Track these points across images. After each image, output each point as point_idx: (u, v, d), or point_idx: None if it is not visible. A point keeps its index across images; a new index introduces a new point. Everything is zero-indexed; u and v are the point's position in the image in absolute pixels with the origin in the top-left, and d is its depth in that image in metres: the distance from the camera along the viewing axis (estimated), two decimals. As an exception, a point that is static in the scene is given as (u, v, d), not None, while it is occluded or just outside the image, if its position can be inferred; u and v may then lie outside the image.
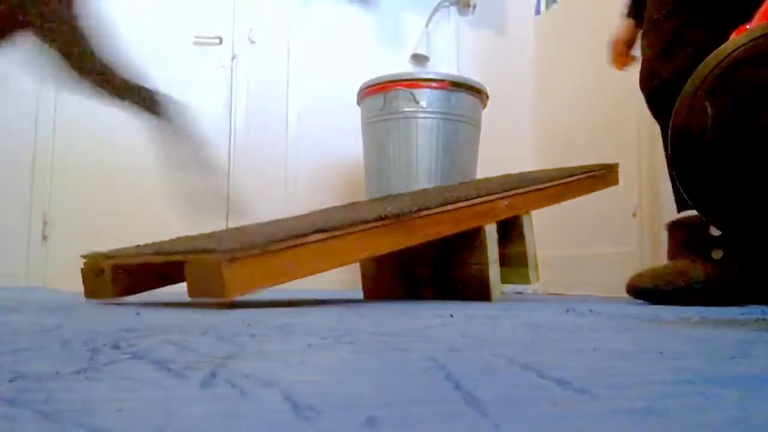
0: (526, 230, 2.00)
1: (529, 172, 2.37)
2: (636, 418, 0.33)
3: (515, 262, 2.01)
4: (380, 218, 1.61)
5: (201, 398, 0.37)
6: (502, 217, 1.94)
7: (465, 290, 1.92)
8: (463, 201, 1.83)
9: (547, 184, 2.08)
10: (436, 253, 2.04)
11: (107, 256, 1.64)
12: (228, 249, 1.29)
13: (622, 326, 0.96)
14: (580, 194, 2.22)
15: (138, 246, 1.73)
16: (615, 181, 2.36)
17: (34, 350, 0.58)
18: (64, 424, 0.30)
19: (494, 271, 1.87)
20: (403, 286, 2.14)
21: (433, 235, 1.76)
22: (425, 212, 1.72)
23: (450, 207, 1.79)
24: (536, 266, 2.03)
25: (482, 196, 1.88)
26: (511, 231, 2.01)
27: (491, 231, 1.89)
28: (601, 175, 2.30)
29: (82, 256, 1.70)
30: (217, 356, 0.53)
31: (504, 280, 1.96)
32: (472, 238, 1.90)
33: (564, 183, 2.14)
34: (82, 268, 1.69)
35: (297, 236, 1.42)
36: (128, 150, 3.18)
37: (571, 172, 2.20)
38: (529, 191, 2.03)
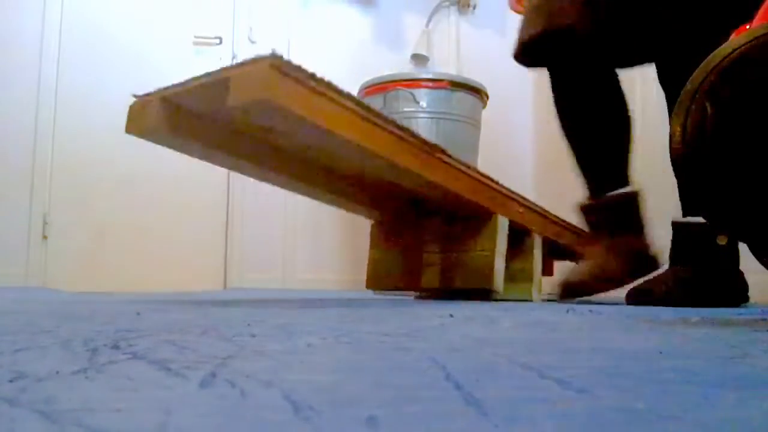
0: (536, 248, 2.01)
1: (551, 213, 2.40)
2: (636, 418, 0.33)
3: (519, 277, 2.01)
4: (408, 131, 1.64)
5: (201, 398, 0.37)
6: (515, 218, 1.95)
7: (469, 277, 1.92)
8: (481, 175, 1.88)
9: (559, 221, 2.13)
10: (444, 239, 2.04)
11: (155, 91, 1.59)
12: (275, 57, 1.32)
13: (621, 326, 0.96)
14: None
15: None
16: None
17: (34, 350, 0.58)
18: (64, 424, 0.30)
19: (500, 262, 1.87)
20: (407, 271, 2.13)
21: (450, 184, 1.76)
22: (447, 157, 1.75)
23: (469, 171, 1.83)
24: (539, 285, 2.03)
25: (500, 185, 1.91)
26: (519, 246, 2.02)
27: (504, 223, 1.90)
28: None
29: (132, 95, 1.65)
30: (217, 356, 0.53)
31: (507, 294, 1.96)
32: (483, 224, 1.90)
33: (572, 232, 2.23)
34: (130, 106, 1.65)
35: (339, 91, 1.47)
36: (128, 150, 3.18)
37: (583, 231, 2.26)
38: (541, 213, 2.07)
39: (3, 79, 3.10)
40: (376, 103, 2.63)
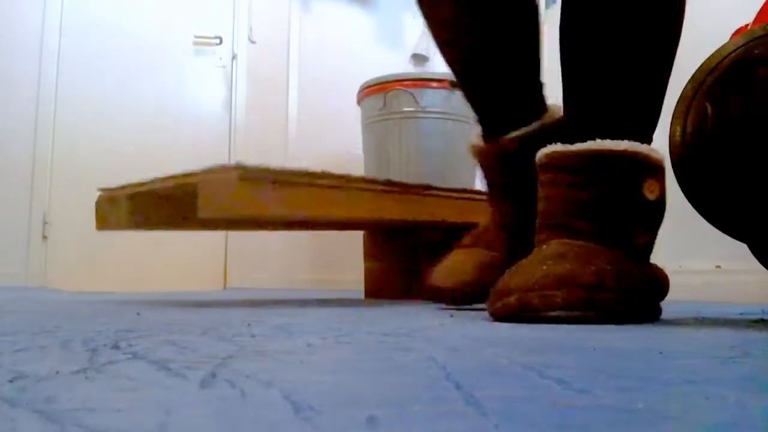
0: None
1: None
2: (636, 418, 0.33)
3: None
4: (389, 183, 1.68)
5: (201, 398, 0.37)
6: None
7: None
8: (468, 192, 1.91)
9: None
10: (439, 250, 2.04)
11: (119, 187, 1.64)
12: (241, 168, 1.34)
13: (621, 326, 0.96)
14: None
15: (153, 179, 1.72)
16: None
17: (34, 350, 0.58)
18: (64, 424, 0.30)
19: None
20: (404, 284, 2.14)
21: (437, 215, 1.80)
22: (432, 191, 1.79)
23: (456, 195, 1.86)
24: None
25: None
26: None
27: None
28: None
29: (98, 189, 1.69)
30: (217, 356, 0.53)
31: None
32: None
33: None
34: (96, 200, 1.68)
35: (310, 174, 1.47)
36: (127, 150, 3.18)
37: None
38: None
39: (3, 79, 3.09)
40: (376, 103, 2.63)
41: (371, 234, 2.24)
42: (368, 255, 2.23)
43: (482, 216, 1.90)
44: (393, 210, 1.67)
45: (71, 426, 0.29)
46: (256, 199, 1.35)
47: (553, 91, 3.27)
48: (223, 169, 1.35)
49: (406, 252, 2.11)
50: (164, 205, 1.56)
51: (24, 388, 0.39)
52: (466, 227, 1.91)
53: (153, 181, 1.56)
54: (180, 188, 1.45)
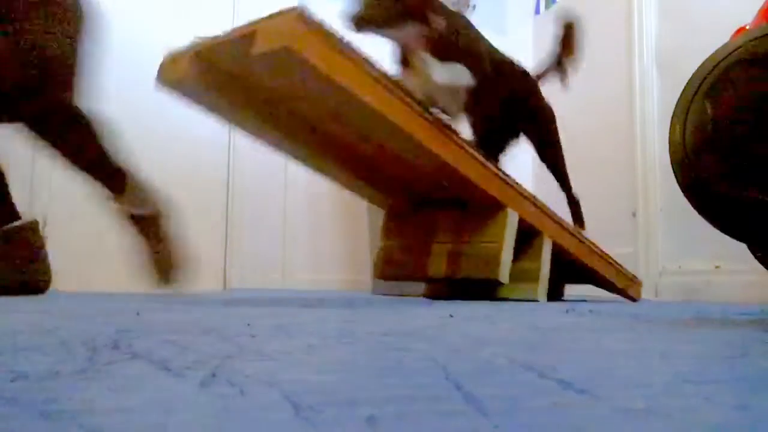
0: (544, 249, 2.00)
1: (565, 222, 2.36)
2: (636, 418, 0.33)
3: (526, 277, 2.00)
4: (425, 108, 1.65)
5: (201, 398, 0.37)
6: (525, 216, 1.94)
7: (475, 267, 1.91)
8: (492, 165, 1.89)
9: (571, 231, 2.13)
10: (453, 229, 2.03)
11: (187, 47, 1.64)
12: (302, 11, 1.34)
13: (621, 326, 0.96)
14: (594, 267, 2.22)
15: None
16: (636, 294, 2.32)
17: (34, 350, 0.58)
18: (64, 424, 0.30)
19: (507, 254, 1.86)
20: (415, 261, 2.12)
21: (462, 166, 1.76)
22: (460, 139, 1.76)
23: (481, 158, 1.83)
24: (546, 285, 2.02)
25: (511, 180, 1.93)
26: (528, 247, 2.01)
27: (513, 216, 1.90)
28: (623, 276, 2.29)
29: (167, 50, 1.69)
30: (217, 356, 0.53)
31: (512, 294, 1.95)
32: (493, 215, 1.90)
33: (587, 246, 2.18)
34: (163, 59, 1.68)
35: (363, 57, 1.47)
36: (126, 153, 3.18)
37: (604, 253, 2.22)
38: (554, 219, 2.06)
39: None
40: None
41: (392, 213, 2.21)
42: (386, 233, 2.21)
43: (505, 195, 1.89)
44: (422, 134, 1.63)
45: (71, 426, 0.29)
46: (309, 45, 1.35)
47: (551, 91, 3.25)
48: (285, 11, 1.36)
49: (423, 233, 2.09)
50: (225, 55, 1.56)
51: (24, 388, 0.39)
52: (482, 210, 1.90)
53: (215, 36, 1.57)
54: (242, 32, 1.46)
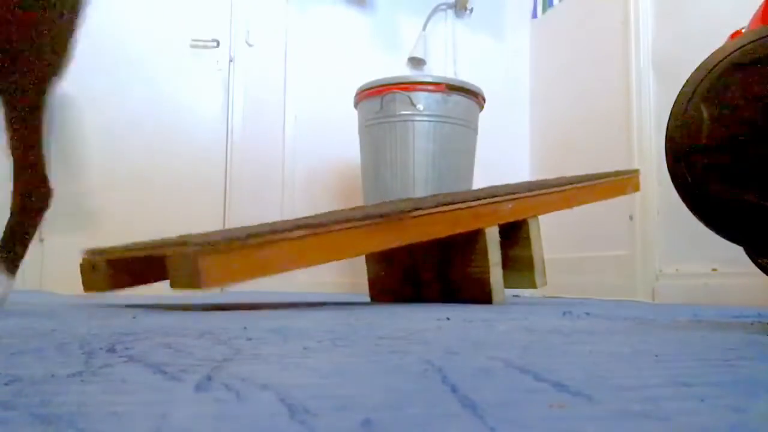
0: (532, 234, 1.98)
1: (545, 180, 2.34)
2: (632, 421, 0.33)
3: (521, 265, 1.99)
4: (366, 217, 1.62)
5: (196, 401, 0.37)
6: (506, 220, 1.92)
7: (467, 293, 1.92)
8: (459, 203, 1.84)
9: (556, 188, 2.08)
10: (440, 256, 2.04)
11: (100, 251, 1.69)
12: (204, 242, 1.32)
13: (618, 329, 0.96)
14: (593, 199, 2.19)
15: (132, 243, 1.76)
16: (635, 187, 2.29)
17: (30, 353, 0.58)
18: (60, 426, 0.30)
19: (496, 274, 1.86)
20: (408, 288, 2.14)
21: (428, 234, 1.75)
22: (417, 212, 1.72)
23: (445, 208, 1.79)
24: (543, 271, 2.00)
25: (482, 199, 1.88)
26: (517, 234, 1.99)
27: (492, 233, 1.87)
28: (619, 181, 2.26)
29: (81, 252, 1.76)
30: (213, 359, 0.53)
31: (509, 283, 1.95)
32: (473, 240, 1.89)
33: (575, 187, 2.13)
34: (80, 264, 1.74)
35: (278, 231, 1.45)
36: (126, 153, 3.18)
37: (586, 177, 2.18)
38: (537, 194, 2.02)
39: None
40: (372, 106, 2.63)
41: None
42: (371, 260, 2.23)
43: (480, 221, 1.89)
44: (378, 241, 1.64)
45: (66, 429, 0.29)
46: (224, 269, 1.34)
47: (549, 95, 3.24)
48: (186, 243, 1.34)
49: (407, 258, 2.11)
50: (138, 268, 1.64)
51: (19, 391, 0.39)
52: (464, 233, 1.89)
53: (127, 249, 1.61)
54: (151, 257, 1.49)
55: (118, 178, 3.15)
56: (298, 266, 1.49)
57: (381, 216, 1.65)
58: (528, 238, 1.98)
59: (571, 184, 2.11)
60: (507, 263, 1.91)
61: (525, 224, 1.99)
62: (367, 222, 1.61)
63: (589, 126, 3.13)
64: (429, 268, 2.10)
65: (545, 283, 2.00)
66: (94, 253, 1.72)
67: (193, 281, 1.31)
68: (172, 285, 1.36)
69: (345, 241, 1.57)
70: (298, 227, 1.47)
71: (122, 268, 1.68)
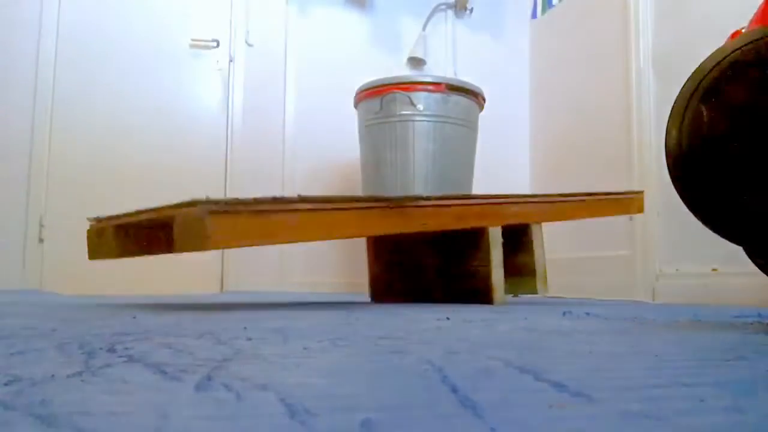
0: (535, 240, 1.99)
1: (549, 194, 2.36)
2: (632, 421, 0.33)
3: (523, 271, 2.00)
4: (371, 200, 1.63)
5: (196, 401, 0.37)
6: (509, 221, 1.93)
7: (469, 292, 1.92)
8: (464, 199, 1.85)
9: (560, 199, 2.10)
10: (442, 256, 2.04)
11: (107, 218, 1.66)
12: (213, 202, 1.32)
13: (618, 329, 0.96)
14: (595, 214, 2.22)
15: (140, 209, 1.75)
16: (639, 208, 2.32)
17: (30, 353, 0.58)
18: (60, 427, 0.30)
19: (497, 274, 1.86)
20: (410, 288, 2.14)
21: (431, 225, 1.75)
22: (422, 202, 1.73)
23: (449, 202, 1.80)
24: (545, 277, 2.01)
25: (487, 198, 1.89)
26: (520, 240, 2.00)
27: (495, 233, 1.88)
28: (624, 200, 2.29)
29: (87, 219, 1.72)
30: (213, 359, 0.53)
31: (512, 289, 1.95)
32: (476, 240, 1.89)
33: (579, 200, 2.15)
34: (87, 231, 1.71)
35: (284, 201, 1.44)
36: (125, 153, 3.18)
37: (590, 193, 2.21)
38: (541, 201, 2.05)
39: (0, 83, 3.09)
40: (372, 106, 2.63)
41: (374, 240, 2.24)
42: (372, 260, 2.23)
43: (484, 219, 1.89)
44: (380, 226, 1.63)
45: (67, 429, 0.29)
46: (230, 231, 1.34)
47: (549, 94, 3.25)
48: (194, 204, 1.34)
49: (409, 258, 2.12)
50: (146, 234, 1.59)
51: (19, 392, 0.39)
52: (466, 233, 1.90)
53: (136, 213, 1.58)
54: (158, 220, 1.47)
55: (118, 178, 3.15)
56: (301, 238, 1.49)
57: (386, 200, 1.66)
58: (531, 244, 1.99)
59: (575, 197, 2.14)
60: (509, 269, 1.92)
61: (528, 230, 2.00)
62: (372, 205, 1.62)
63: (589, 126, 3.13)
64: (431, 268, 2.10)
65: (546, 290, 2.00)
66: (100, 220, 1.69)
67: (199, 242, 1.30)
68: (176, 248, 1.35)
69: (348, 220, 1.57)
70: (304, 200, 1.48)
71: (130, 234, 1.63)
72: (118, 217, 1.62)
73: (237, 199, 1.40)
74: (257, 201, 1.40)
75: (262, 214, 1.40)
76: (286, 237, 1.47)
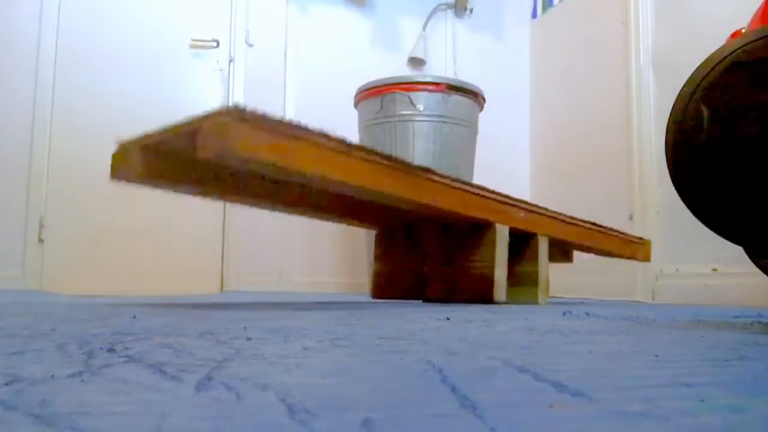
0: (540, 250, 2.00)
1: (563, 213, 2.38)
2: (632, 421, 0.33)
3: (525, 281, 2.01)
4: (390, 158, 1.63)
5: (196, 401, 0.37)
6: (515, 225, 1.94)
7: (470, 288, 1.92)
8: (473, 186, 1.86)
9: (570, 219, 2.12)
10: (444, 254, 2.04)
11: (134, 139, 1.63)
12: (241, 110, 1.32)
13: (618, 329, 0.96)
14: (600, 244, 2.25)
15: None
16: (645, 256, 2.37)
17: (30, 353, 0.58)
18: (59, 427, 0.30)
19: (500, 272, 1.87)
20: (411, 285, 2.14)
21: (438, 201, 1.75)
22: (435, 176, 1.74)
23: (458, 184, 1.81)
24: (546, 288, 2.02)
25: (495, 194, 1.90)
26: (524, 250, 2.02)
27: (502, 231, 1.89)
28: (633, 243, 2.33)
29: (116, 142, 1.70)
30: (212, 359, 0.53)
31: (513, 298, 1.95)
32: (482, 234, 1.89)
33: (592, 229, 2.19)
34: (112, 155, 1.69)
35: (310, 131, 1.44)
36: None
37: (601, 225, 2.25)
38: (549, 215, 2.06)
39: (0, 82, 3.09)
40: (372, 106, 2.63)
41: (380, 237, 2.25)
42: (377, 257, 2.24)
43: (489, 213, 1.89)
44: (391, 185, 1.63)
45: (66, 429, 0.29)
46: (251, 142, 1.33)
47: (549, 94, 3.25)
48: (222, 111, 1.34)
49: (414, 256, 2.12)
50: (171, 158, 1.57)
51: (19, 391, 0.39)
52: (472, 222, 1.89)
53: (160, 130, 1.55)
54: (183, 130, 1.45)
55: (118, 178, 3.15)
56: (315, 171, 1.47)
57: (404, 163, 1.66)
58: (536, 254, 2.00)
59: (584, 223, 2.20)
60: (512, 279, 1.92)
61: (535, 240, 2.00)
62: (390, 163, 1.62)
63: (589, 125, 3.13)
64: (433, 264, 2.09)
65: (546, 302, 2.01)
66: (127, 142, 1.65)
67: (224, 146, 1.30)
68: (199, 153, 1.34)
69: (364, 169, 1.56)
70: (326, 137, 1.48)
71: (156, 156, 1.61)
72: (146, 136, 1.59)
73: (266, 115, 1.39)
74: (283, 122, 1.40)
75: (286, 135, 1.40)
76: (303, 165, 1.45)
